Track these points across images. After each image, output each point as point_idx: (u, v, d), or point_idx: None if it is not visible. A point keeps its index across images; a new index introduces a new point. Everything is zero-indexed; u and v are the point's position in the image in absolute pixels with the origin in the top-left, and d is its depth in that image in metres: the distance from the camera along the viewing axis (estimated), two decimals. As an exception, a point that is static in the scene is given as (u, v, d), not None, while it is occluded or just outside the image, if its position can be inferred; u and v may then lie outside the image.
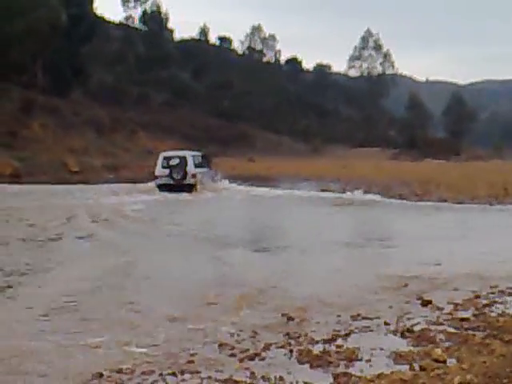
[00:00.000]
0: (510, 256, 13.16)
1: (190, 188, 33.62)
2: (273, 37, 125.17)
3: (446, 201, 27.26)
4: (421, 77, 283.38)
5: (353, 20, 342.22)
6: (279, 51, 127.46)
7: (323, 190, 33.82)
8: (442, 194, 31.01)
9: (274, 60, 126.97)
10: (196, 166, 34.51)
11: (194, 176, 33.85)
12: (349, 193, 32.11)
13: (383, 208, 25.89)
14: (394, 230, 19.36)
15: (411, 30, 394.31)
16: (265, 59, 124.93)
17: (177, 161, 34.36)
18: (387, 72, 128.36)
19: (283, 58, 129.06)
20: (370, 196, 30.49)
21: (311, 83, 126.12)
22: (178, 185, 33.49)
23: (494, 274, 10.96)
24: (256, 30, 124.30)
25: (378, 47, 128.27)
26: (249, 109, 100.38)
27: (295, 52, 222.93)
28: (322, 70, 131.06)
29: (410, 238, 16.69)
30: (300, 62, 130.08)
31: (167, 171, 34.07)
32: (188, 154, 35.67)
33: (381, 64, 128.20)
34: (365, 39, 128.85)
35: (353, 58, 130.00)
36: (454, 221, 20.87)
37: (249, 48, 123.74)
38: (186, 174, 33.77)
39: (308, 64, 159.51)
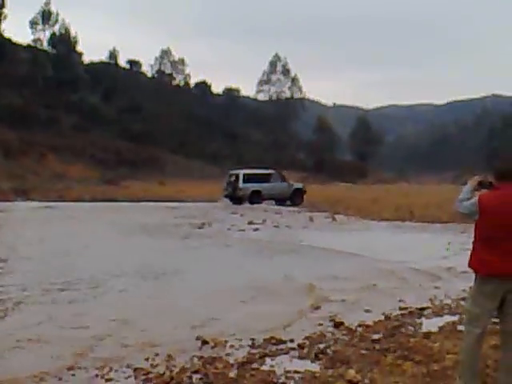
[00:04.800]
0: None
1: (240, 200, 41.61)
2: (182, 60, 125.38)
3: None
4: (328, 101, 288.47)
5: (261, 44, 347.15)
6: (189, 75, 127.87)
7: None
8: (350, 216, 31.75)
9: (183, 84, 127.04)
10: (248, 181, 41.72)
11: (240, 190, 41.38)
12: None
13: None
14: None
15: (319, 54, 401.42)
16: (174, 83, 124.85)
17: (233, 177, 42.42)
18: (295, 96, 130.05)
19: (193, 82, 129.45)
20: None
21: (221, 107, 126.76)
22: (232, 196, 42.15)
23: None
24: (165, 53, 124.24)
25: (286, 72, 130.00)
26: (159, 132, 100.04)
27: (205, 76, 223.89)
28: (231, 93, 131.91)
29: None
30: (209, 86, 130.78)
31: (226, 185, 43.00)
32: (241, 172, 42.83)
33: (289, 88, 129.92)
34: (273, 64, 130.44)
35: (262, 83, 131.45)
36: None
37: (158, 71, 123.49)
38: (235, 188, 41.61)
39: (217, 88, 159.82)
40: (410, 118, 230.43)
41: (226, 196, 42.95)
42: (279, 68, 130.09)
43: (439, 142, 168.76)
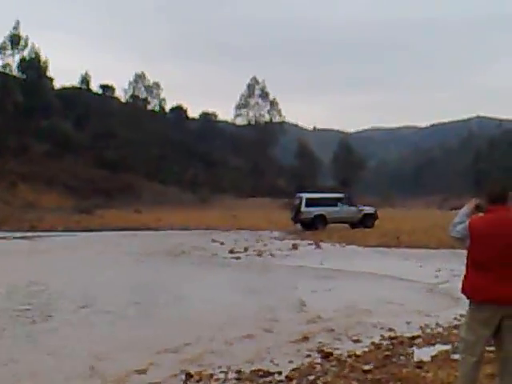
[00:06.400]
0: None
1: (303, 224, 41.83)
2: (157, 85, 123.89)
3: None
4: (308, 125, 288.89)
5: (238, 67, 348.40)
6: (164, 99, 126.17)
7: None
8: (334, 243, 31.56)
9: (158, 108, 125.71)
10: (312, 205, 41.41)
11: (302, 214, 41.28)
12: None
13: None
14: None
15: (298, 77, 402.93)
16: (149, 107, 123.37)
17: (297, 201, 42.58)
18: (274, 120, 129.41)
19: (168, 106, 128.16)
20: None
21: (197, 132, 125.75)
22: (296, 219, 42.38)
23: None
24: (139, 77, 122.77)
25: (264, 95, 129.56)
26: (133, 159, 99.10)
27: (180, 100, 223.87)
28: (207, 118, 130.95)
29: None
30: (185, 110, 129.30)
31: (291, 209, 44.13)
32: (304, 195, 43.10)
33: (268, 112, 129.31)
34: (251, 87, 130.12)
35: (239, 106, 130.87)
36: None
37: (132, 96, 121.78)
38: (297, 212, 41.78)
39: (194, 112, 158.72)
40: (393, 141, 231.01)
41: (292, 218, 43.13)
42: (257, 91, 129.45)
43: (424, 165, 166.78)
